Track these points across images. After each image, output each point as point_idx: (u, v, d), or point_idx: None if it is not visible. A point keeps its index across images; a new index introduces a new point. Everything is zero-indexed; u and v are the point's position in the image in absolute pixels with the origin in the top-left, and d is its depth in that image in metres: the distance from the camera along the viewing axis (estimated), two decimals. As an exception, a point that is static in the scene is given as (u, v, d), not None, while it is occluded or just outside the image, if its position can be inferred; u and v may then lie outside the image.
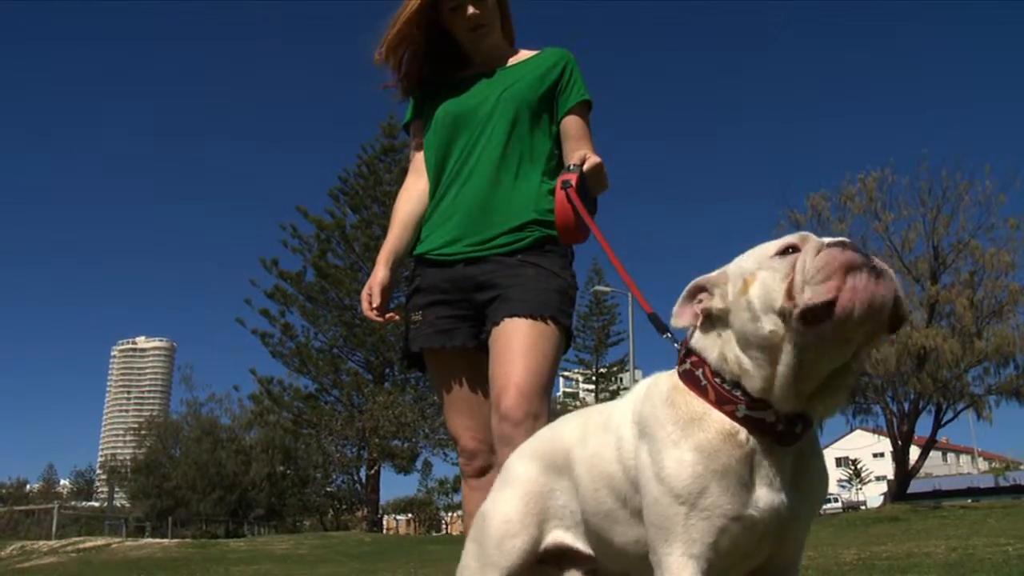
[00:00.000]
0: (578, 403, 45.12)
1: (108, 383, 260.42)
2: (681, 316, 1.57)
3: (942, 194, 24.13)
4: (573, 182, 2.23)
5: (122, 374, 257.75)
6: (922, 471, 33.67)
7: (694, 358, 1.55)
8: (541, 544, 1.80)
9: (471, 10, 2.49)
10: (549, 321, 2.28)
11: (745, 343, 1.46)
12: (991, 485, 49.31)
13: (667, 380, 1.61)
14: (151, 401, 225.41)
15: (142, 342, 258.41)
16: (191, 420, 39.92)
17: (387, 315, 2.55)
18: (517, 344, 2.24)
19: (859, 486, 59.59)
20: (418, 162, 2.64)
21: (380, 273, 2.54)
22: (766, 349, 1.42)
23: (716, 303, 1.52)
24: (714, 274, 1.57)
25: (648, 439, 1.54)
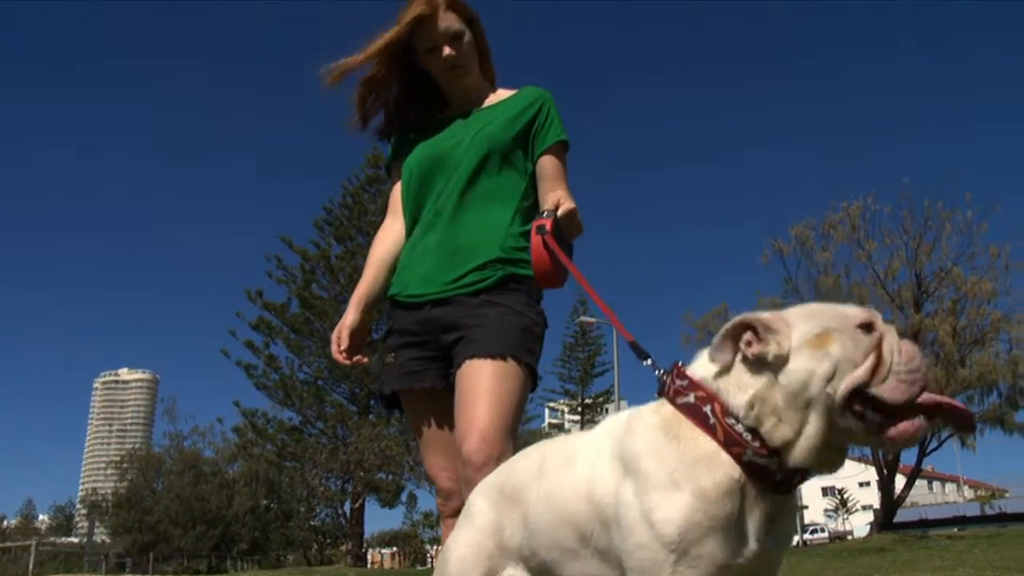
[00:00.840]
0: (564, 434, 44.95)
1: (90, 415, 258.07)
2: (724, 352, 1.53)
3: (924, 222, 24.42)
4: (548, 227, 2.22)
5: (104, 406, 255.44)
6: (908, 500, 33.69)
7: (700, 393, 1.53)
8: None
9: (447, 51, 2.49)
10: (510, 360, 2.26)
11: (801, 397, 1.45)
12: (977, 514, 49.33)
13: (656, 412, 1.57)
14: (133, 434, 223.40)
15: (125, 374, 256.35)
16: (174, 453, 39.64)
17: (355, 358, 2.56)
18: (479, 386, 2.22)
19: (845, 516, 59.56)
20: (395, 204, 2.65)
21: (350, 316, 2.55)
22: (820, 410, 1.44)
23: (773, 349, 1.48)
24: (766, 316, 1.54)
25: (637, 477, 1.49)
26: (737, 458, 1.46)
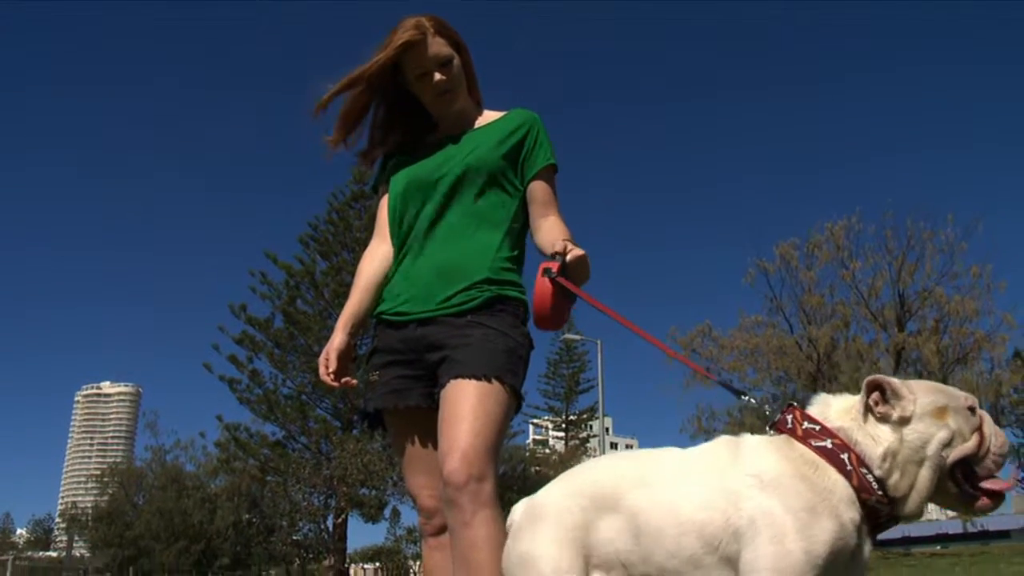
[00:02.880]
0: (548, 450, 44.91)
1: (71, 429, 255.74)
2: (860, 406, 1.81)
3: (907, 242, 24.57)
4: (555, 270, 2.22)
5: (85, 419, 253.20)
6: (891, 518, 33.71)
7: (837, 440, 1.77)
8: None
9: (437, 76, 2.49)
10: (494, 381, 2.26)
11: (919, 454, 1.75)
12: (960, 531, 49.49)
13: (789, 447, 1.79)
14: (115, 448, 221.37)
15: (107, 387, 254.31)
16: (155, 467, 39.40)
17: (343, 380, 2.54)
18: (461, 406, 2.22)
19: (829, 533, 59.59)
20: (382, 225, 2.65)
21: (337, 339, 2.54)
22: (932, 467, 1.75)
23: (897, 412, 1.77)
24: (896, 381, 1.80)
25: (788, 497, 1.70)
26: (863, 503, 1.73)
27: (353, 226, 30.21)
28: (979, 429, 1.78)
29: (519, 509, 2.01)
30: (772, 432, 1.88)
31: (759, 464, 1.76)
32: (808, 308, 25.11)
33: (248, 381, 29.28)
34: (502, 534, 2.09)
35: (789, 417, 1.85)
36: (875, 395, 1.79)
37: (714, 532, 1.71)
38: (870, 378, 1.80)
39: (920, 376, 23.46)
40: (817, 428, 1.80)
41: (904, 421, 1.76)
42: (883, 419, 1.77)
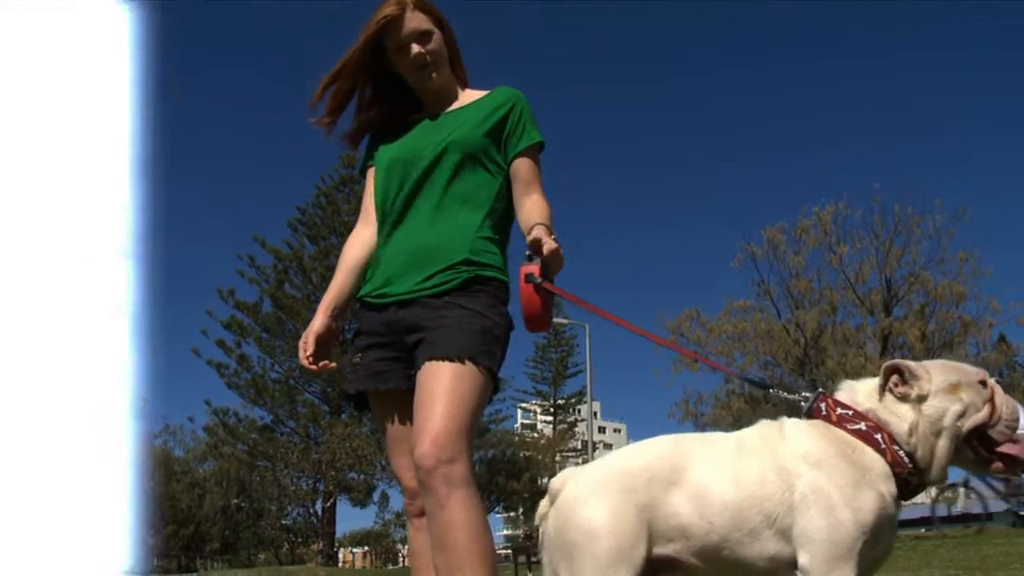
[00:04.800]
0: (536, 434, 45.03)
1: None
2: (882, 389, 2.02)
3: (894, 227, 24.60)
4: (537, 274, 2.24)
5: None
6: (877, 501, 33.92)
7: (869, 422, 1.96)
8: (651, 554, 1.95)
9: (415, 49, 2.48)
10: (468, 362, 2.25)
11: (937, 426, 1.96)
12: (944, 514, 49.87)
13: (828, 430, 1.98)
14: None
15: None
16: (143, 452, 39.29)
17: (321, 364, 2.53)
18: (435, 388, 2.21)
19: (816, 516, 59.95)
20: (367, 208, 2.64)
21: (317, 322, 2.53)
22: (949, 437, 1.96)
23: (915, 391, 1.98)
24: (912, 364, 2.01)
25: (830, 474, 1.89)
26: (897, 476, 1.93)
27: (341, 210, 30.15)
28: (991, 400, 1.98)
29: (568, 481, 2.07)
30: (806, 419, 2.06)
31: (805, 445, 1.95)
32: (795, 293, 25.18)
33: (236, 366, 29.27)
34: (478, 515, 2.11)
35: (823, 405, 2.03)
36: (895, 378, 2.00)
37: (771, 507, 1.89)
38: (889, 363, 2.02)
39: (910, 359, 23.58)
40: (850, 413, 1.99)
41: (922, 399, 1.97)
42: (903, 398, 1.98)
